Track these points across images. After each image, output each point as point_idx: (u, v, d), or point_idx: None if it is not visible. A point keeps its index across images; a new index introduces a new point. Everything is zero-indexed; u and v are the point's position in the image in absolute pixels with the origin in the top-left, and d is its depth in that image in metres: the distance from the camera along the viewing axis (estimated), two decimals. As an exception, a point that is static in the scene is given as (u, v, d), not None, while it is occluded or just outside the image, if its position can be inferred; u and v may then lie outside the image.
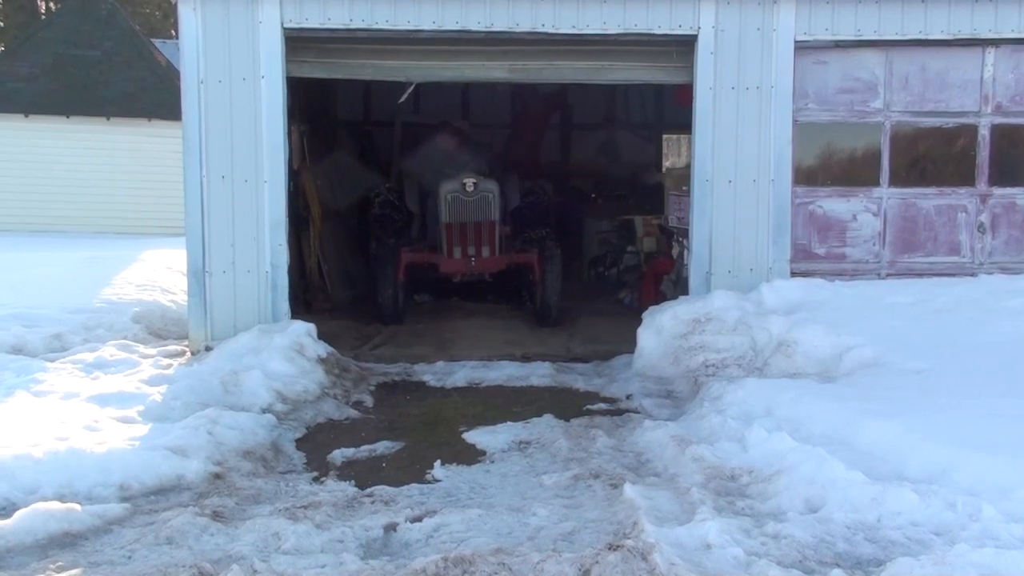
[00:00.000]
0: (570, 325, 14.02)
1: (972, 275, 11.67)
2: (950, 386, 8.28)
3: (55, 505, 6.11)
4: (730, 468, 7.00)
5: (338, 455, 7.97)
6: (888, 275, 11.84)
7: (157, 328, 12.75)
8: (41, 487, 6.56)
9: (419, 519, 6.20)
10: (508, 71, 12.00)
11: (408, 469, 7.62)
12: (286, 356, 10.09)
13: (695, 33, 11.43)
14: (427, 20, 11.16)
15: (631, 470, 7.28)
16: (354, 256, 17.11)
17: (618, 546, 5.23)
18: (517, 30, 11.29)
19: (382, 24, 11.15)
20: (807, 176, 11.86)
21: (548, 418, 8.88)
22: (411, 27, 11.18)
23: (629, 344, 11.21)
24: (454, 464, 7.66)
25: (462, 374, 10.96)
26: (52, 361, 10.41)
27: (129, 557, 5.63)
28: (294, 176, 13.03)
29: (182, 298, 13.45)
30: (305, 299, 14.25)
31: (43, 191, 23.67)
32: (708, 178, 11.58)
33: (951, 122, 11.93)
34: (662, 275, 14.19)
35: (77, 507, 6.17)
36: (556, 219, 17.22)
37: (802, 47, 11.54)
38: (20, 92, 24.46)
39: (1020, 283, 11.11)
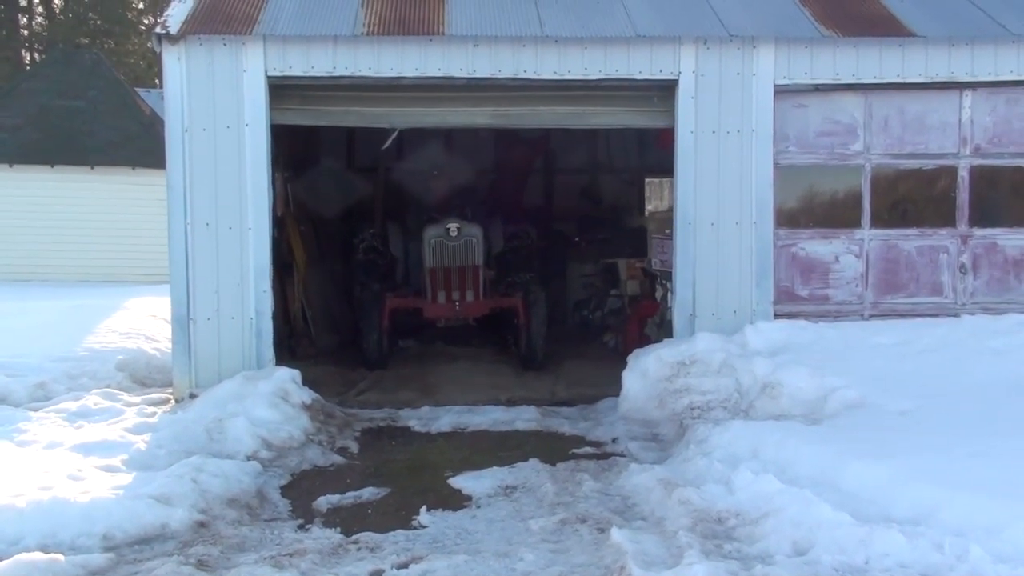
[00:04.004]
0: (555, 369, 14.01)
1: (955, 316, 11.69)
2: (935, 427, 8.30)
3: (38, 556, 6.05)
4: (717, 511, 6.99)
5: (323, 502, 7.93)
6: (871, 316, 11.89)
7: (141, 376, 12.69)
8: (24, 538, 6.50)
9: (405, 566, 6.18)
10: (491, 117, 12.08)
11: (394, 515, 7.58)
12: (271, 403, 10.05)
13: (676, 78, 11.54)
14: (410, 68, 11.24)
15: (618, 514, 7.26)
16: (339, 302, 17.09)
17: (606, 591, 5.22)
18: (499, 76, 11.38)
19: (365, 72, 11.23)
20: (789, 218, 11.93)
21: (534, 462, 8.86)
22: (394, 74, 11.26)
23: (614, 387, 11.21)
24: (440, 510, 7.64)
25: (447, 419, 10.93)
26: (36, 410, 10.36)
27: (112, 608, 5.58)
28: (278, 223, 13.04)
29: (166, 346, 13.41)
30: (290, 345, 14.22)
31: (27, 240, 23.56)
32: (691, 221, 11.64)
33: (931, 164, 12.03)
34: (646, 318, 14.21)
35: (60, 557, 6.11)
36: (540, 263, 17.24)
37: (782, 91, 11.65)
38: (4, 142, 24.44)
39: (1002, 323, 11.15)
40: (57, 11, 44.74)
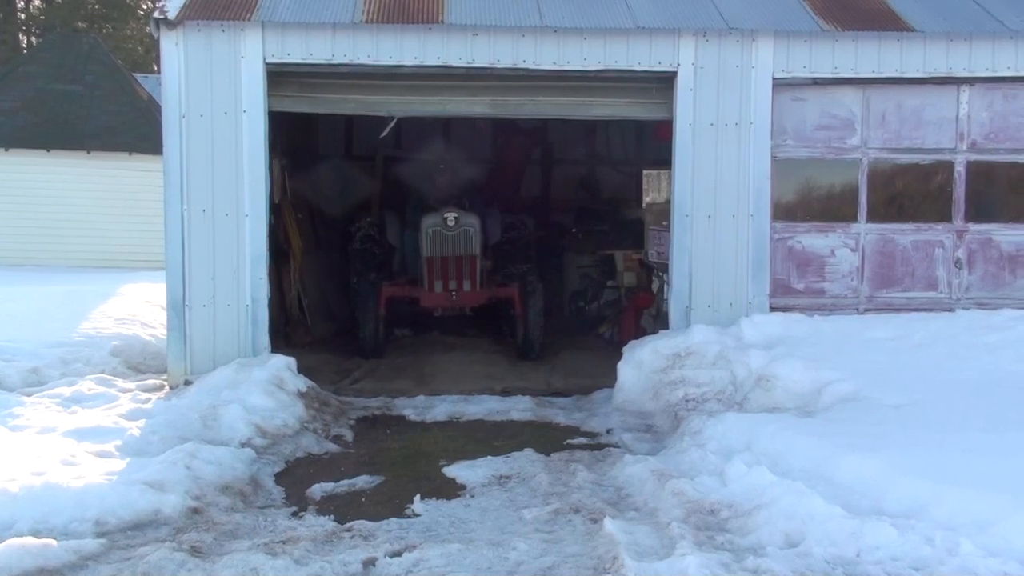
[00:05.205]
0: (551, 359, 14.02)
1: (949, 310, 11.73)
2: (929, 421, 8.30)
3: (30, 540, 6.05)
4: (710, 502, 7.00)
5: (317, 490, 7.93)
6: (866, 310, 11.91)
7: (136, 362, 12.69)
8: (16, 522, 6.49)
9: (398, 554, 6.18)
10: (489, 106, 12.06)
11: (388, 504, 7.59)
12: (265, 390, 10.05)
13: (674, 70, 11.53)
14: (409, 56, 11.22)
15: (611, 504, 7.27)
16: (335, 290, 17.10)
17: (598, 581, 5.22)
18: (498, 66, 11.36)
19: (364, 60, 11.21)
20: (786, 211, 11.94)
21: (528, 452, 8.87)
22: (393, 63, 11.25)
23: (609, 378, 11.22)
24: (434, 499, 7.64)
25: (442, 408, 10.94)
26: (29, 395, 10.35)
27: (105, 593, 5.58)
28: (275, 210, 13.03)
29: (161, 332, 13.39)
30: (285, 333, 14.22)
31: (22, 225, 23.55)
32: (688, 213, 11.64)
33: (927, 159, 12.04)
34: (642, 310, 14.21)
35: (53, 542, 6.11)
36: (537, 254, 17.25)
37: (780, 84, 11.65)
38: (1, 126, 24.41)
39: (997, 319, 11.18)
40: (55, -5, 44.65)
